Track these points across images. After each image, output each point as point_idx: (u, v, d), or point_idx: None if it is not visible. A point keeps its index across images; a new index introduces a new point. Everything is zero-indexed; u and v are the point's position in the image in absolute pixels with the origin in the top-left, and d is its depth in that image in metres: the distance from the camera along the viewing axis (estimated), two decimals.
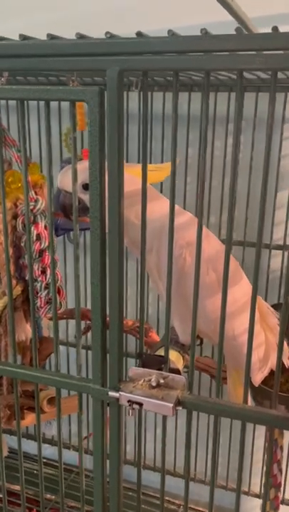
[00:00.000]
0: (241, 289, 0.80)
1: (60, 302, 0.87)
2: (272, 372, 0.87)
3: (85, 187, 0.76)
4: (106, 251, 0.60)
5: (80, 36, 0.55)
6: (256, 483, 1.39)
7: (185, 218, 0.81)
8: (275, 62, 0.45)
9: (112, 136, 0.54)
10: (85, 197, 0.75)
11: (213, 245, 0.82)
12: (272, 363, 0.86)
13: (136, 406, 0.59)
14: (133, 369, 0.62)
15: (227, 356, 0.89)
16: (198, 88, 1.17)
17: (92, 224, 0.59)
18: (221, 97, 1.15)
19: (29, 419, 0.97)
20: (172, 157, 0.55)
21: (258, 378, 0.84)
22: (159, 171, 0.78)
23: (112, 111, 0.52)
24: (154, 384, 0.59)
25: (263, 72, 0.97)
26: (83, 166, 0.64)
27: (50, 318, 0.95)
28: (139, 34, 0.51)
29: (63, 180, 0.81)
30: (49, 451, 1.54)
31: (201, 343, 1.01)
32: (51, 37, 0.55)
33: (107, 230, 0.59)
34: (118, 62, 0.51)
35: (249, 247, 1.21)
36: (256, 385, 0.85)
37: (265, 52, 0.47)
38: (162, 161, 1.23)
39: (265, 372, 0.86)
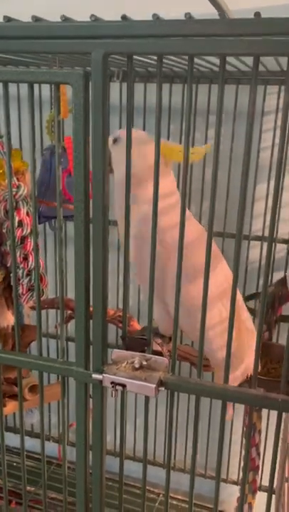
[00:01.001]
0: (215, 280, 0.77)
1: (43, 289, 0.87)
2: (278, 362, 0.86)
3: (114, 141, 0.84)
4: (90, 237, 0.60)
5: (65, 19, 0.55)
6: (234, 472, 1.41)
7: (165, 203, 0.80)
8: (258, 47, 0.47)
9: (97, 119, 0.54)
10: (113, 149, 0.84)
11: (191, 231, 0.79)
12: (247, 364, 0.82)
13: (119, 387, 0.60)
14: (116, 352, 0.63)
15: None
16: (180, 80, 1.18)
17: (76, 208, 0.59)
18: (201, 89, 1.16)
19: (10, 407, 0.96)
20: (156, 148, 0.56)
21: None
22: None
23: (97, 94, 0.53)
24: (137, 366, 0.60)
25: (243, 64, 0.99)
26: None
27: (32, 307, 0.95)
28: (123, 17, 0.52)
29: None
30: (28, 443, 1.53)
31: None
32: (36, 19, 0.55)
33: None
34: (103, 45, 0.51)
35: (229, 238, 1.23)
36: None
37: (248, 38, 0.48)
38: None
39: (238, 373, 0.83)
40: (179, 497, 1.47)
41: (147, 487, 1.45)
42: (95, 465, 0.67)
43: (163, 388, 0.60)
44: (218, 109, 0.53)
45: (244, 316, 0.86)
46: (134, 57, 0.97)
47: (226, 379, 0.60)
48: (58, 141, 0.60)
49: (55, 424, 1.54)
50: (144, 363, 0.61)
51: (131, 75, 0.52)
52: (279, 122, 1.17)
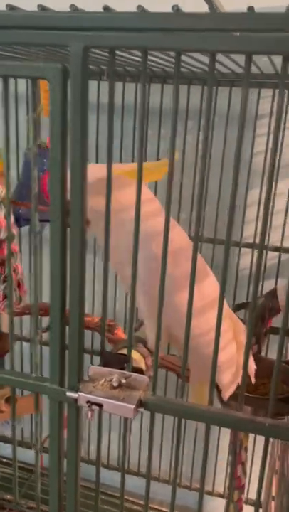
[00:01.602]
0: (210, 285, 0.76)
1: (20, 296, 0.83)
2: (267, 377, 0.84)
3: None
4: (66, 242, 0.56)
5: (42, 8, 0.51)
6: (220, 483, 1.37)
7: (152, 207, 0.76)
8: (251, 44, 0.43)
9: (75, 118, 0.50)
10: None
11: (183, 238, 0.78)
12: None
13: (95, 407, 0.56)
14: (93, 368, 0.59)
15: (192, 362, 0.83)
16: (172, 81, 1.14)
17: (52, 213, 0.55)
18: (193, 90, 1.12)
19: None
20: (139, 152, 0.52)
21: (227, 394, 0.79)
22: (156, 171, 0.73)
23: (76, 91, 0.49)
24: (115, 384, 0.56)
25: (236, 65, 0.95)
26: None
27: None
28: (106, 8, 0.48)
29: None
30: (8, 450, 1.49)
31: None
32: (10, 7, 0.51)
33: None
34: (82, 37, 0.47)
35: (219, 245, 1.20)
36: (224, 400, 0.79)
37: (240, 33, 0.44)
38: (133, 155, 1.19)
39: (234, 386, 0.80)
40: (164, 509, 1.43)
41: (132, 498, 1.42)
42: (70, 477, 0.62)
43: (142, 409, 0.55)
44: (206, 111, 0.49)
45: (237, 320, 0.82)
46: (126, 55, 0.94)
47: (211, 400, 0.56)
48: (35, 140, 0.56)
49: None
50: (123, 381, 0.57)
51: (113, 72, 0.48)
52: (273, 127, 1.13)
